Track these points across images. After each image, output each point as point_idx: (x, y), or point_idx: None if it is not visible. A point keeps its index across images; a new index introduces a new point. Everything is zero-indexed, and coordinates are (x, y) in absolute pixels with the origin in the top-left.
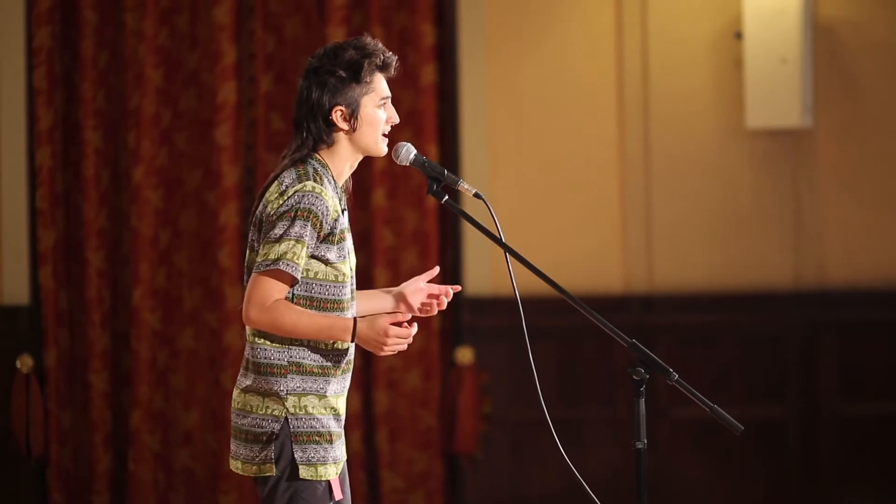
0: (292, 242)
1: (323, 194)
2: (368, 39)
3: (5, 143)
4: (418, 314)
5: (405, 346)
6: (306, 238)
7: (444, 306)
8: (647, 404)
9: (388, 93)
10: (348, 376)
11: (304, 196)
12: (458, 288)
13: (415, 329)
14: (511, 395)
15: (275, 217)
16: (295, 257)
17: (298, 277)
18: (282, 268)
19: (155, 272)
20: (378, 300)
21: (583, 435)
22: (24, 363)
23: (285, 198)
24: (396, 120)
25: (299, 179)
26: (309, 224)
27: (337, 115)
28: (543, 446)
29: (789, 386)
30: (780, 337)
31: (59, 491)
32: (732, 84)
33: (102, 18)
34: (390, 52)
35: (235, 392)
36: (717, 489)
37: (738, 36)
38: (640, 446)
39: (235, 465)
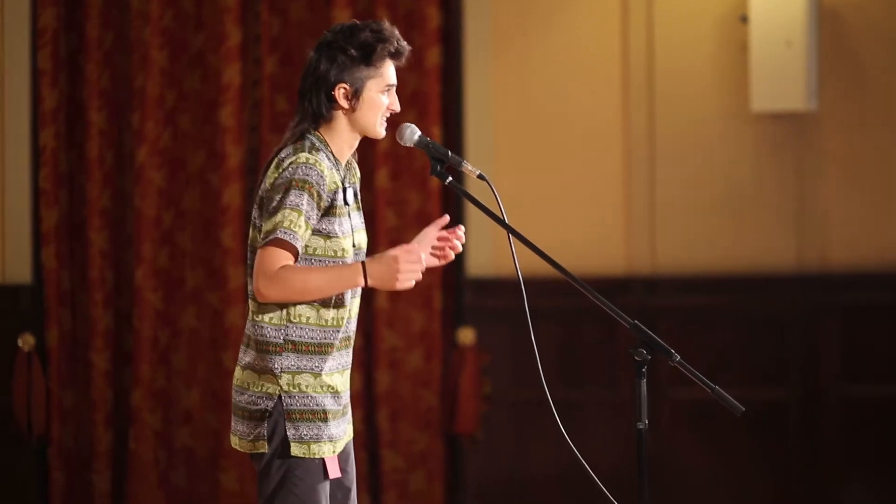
0: (287, 211)
1: (317, 164)
2: (386, 24)
3: (9, 123)
4: (432, 263)
5: (420, 274)
6: (303, 206)
7: (459, 248)
8: (648, 386)
9: (394, 81)
10: (347, 352)
11: (298, 167)
12: (462, 227)
13: (425, 258)
14: (512, 375)
15: (272, 191)
16: (292, 225)
17: (298, 245)
18: (279, 236)
19: (157, 252)
20: None
21: (584, 416)
22: (26, 342)
23: (280, 170)
24: (397, 108)
25: (294, 152)
26: (305, 193)
27: (339, 93)
28: (544, 427)
29: (791, 369)
30: (783, 319)
31: (59, 469)
32: (737, 67)
33: None
34: (405, 42)
35: (237, 368)
36: (718, 471)
37: (744, 19)
38: (641, 427)
39: (234, 441)
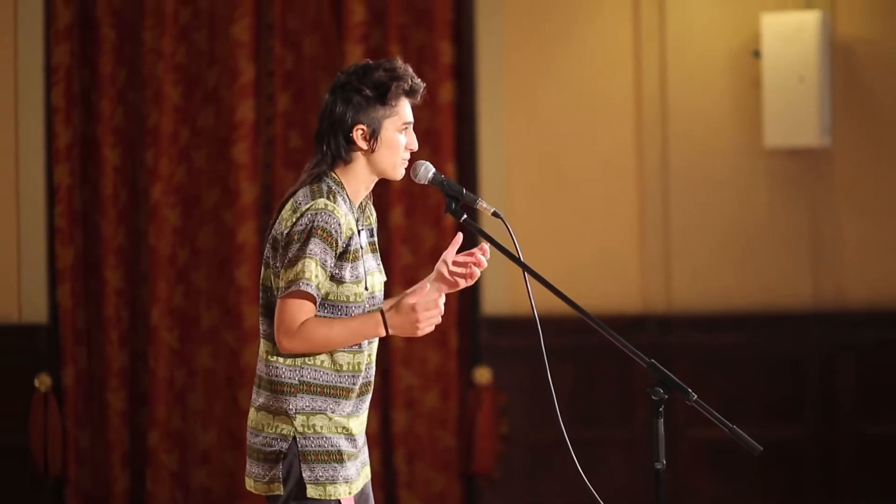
0: (307, 260)
1: (335, 211)
2: (399, 63)
3: (24, 160)
4: (456, 286)
5: (439, 317)
6: (318, 254)
7: (484, 264)
8: (665, 425)
9: (410, 118)
10: (366, 399)
11: (316, 214)
12: (487, 243)
13: (443, 298)
14: (529, 415)
15: (288, 238)
16: (311, 275)
17: (317, 296)
18: (301, 287)
19: (173, 290)
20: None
21: (601, 455)
22: (43, 382)
23: (297, 215)
24: (415, 147)
25: (312, 197)
26: (322, 242)
27: (357, 134)
28: (561, 467)
29: (807, 407)
30: (799, 357)
31: None
32: (750, 103)
33: (121, 36)
34: (419, 79)
35: (251, 410)
36: None
37: (756, 54)
38: (659, 467)
39: (249, 484)
